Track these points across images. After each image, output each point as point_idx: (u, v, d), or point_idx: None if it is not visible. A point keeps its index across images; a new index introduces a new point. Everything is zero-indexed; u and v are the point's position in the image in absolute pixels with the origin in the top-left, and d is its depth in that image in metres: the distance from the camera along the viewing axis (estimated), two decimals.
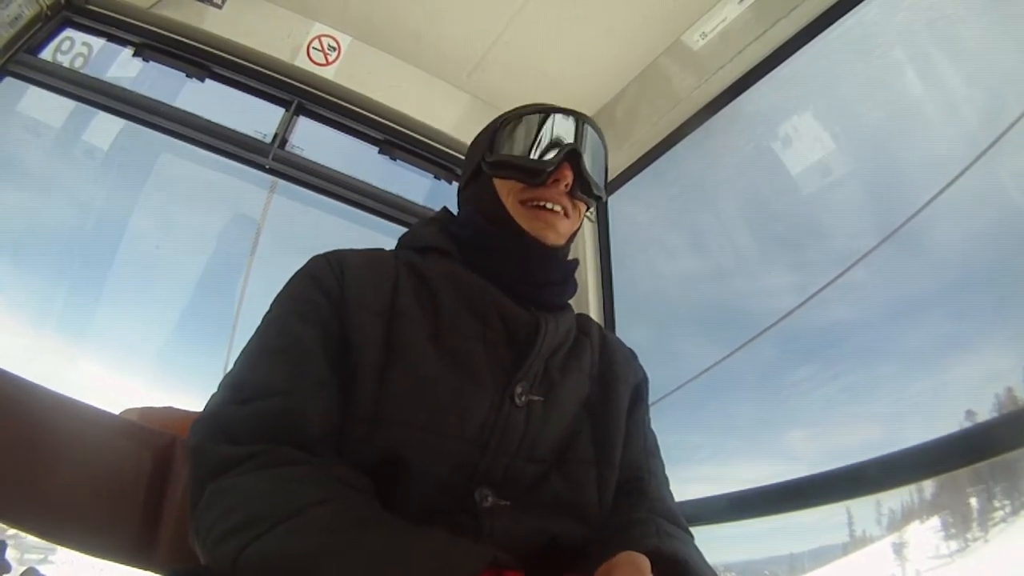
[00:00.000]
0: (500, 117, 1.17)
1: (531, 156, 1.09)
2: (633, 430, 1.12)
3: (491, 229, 1.09)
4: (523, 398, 0.97)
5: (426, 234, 1.15)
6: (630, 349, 1.25)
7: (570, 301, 1.18)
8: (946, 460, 1.45)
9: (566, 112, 1.12)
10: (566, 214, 1.10)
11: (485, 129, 1.19)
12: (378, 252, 1.11)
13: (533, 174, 1.07)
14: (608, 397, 1.09)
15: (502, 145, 1.12)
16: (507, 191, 1.09)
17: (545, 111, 1.12)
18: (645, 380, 1.21)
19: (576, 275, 1.18)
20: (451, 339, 0.98)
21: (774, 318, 2.50)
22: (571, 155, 1.08)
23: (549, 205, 1.07)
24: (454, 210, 1.24)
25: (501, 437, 0.93)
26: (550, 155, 1.08)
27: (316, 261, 1.04)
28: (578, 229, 1.16)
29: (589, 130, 1.12)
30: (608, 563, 0.75)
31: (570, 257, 1.19)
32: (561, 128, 1.10)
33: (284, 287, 1.02)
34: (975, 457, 1.40)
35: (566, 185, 1.07)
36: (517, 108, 1.17)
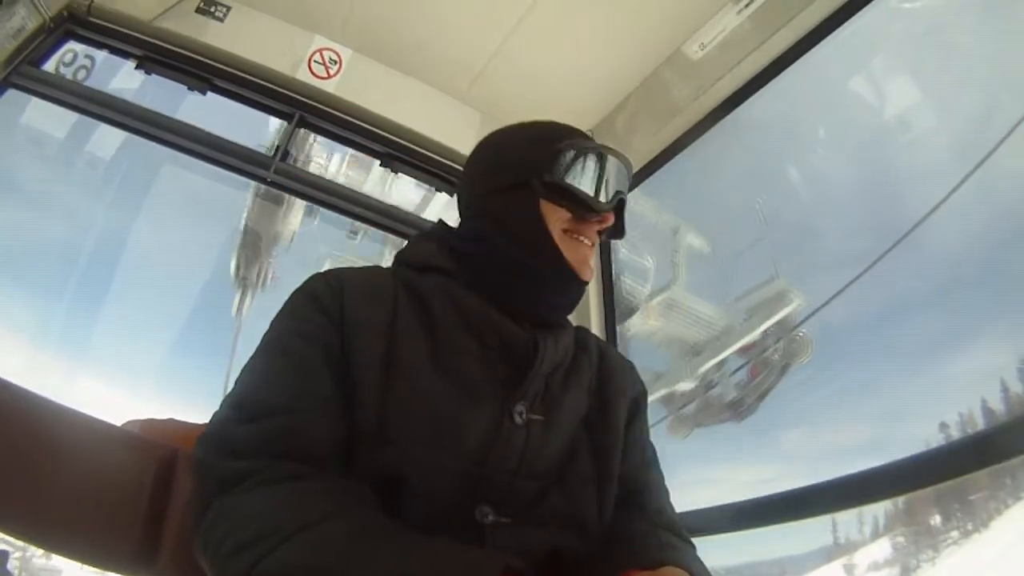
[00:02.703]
0: (548, 138, 1.11)
1: (594, 193, 1.07)
2: (631, 443, 1.11)
3: (520, 249, 1.07)
4: (523, 417, 0.96)
5: (425, 251, 1.13)
6: (629, 361, 1.25)
7: (571, 316, 1.18)
8: (946, 469, 1.44)
9: (620, 159, 1.12)
10: (592, 247, 1.11)
11: (529, 146, 1.12)
12: (377, 270, 1.10)
13: (588, 209, 1.07)
14: (606, 412, 1.09)
15: (566, 171, 1.07)
16: (554, 216, 1.07)
17: (604, 151, 1.10)
18: (644, 393, 1.21)
19: None
20: (449, 358, 0.98)
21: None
22: (620, 204, 1.11)
23: (588, 241, 1.09)
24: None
25: (501, 455, 0.93)
26: (609, 196, 1.08)
27: (315, 280, 1.03)
28: None
29: (627, 183, 1.14)
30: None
31: None
32: (617, 173, 1.11)
33: (284, 306, 1.02)
34: (974, 465, 1.40)
35: (606, 226, 1.10)
36: (571, 135, 1.13)
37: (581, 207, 1.06)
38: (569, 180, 1.06)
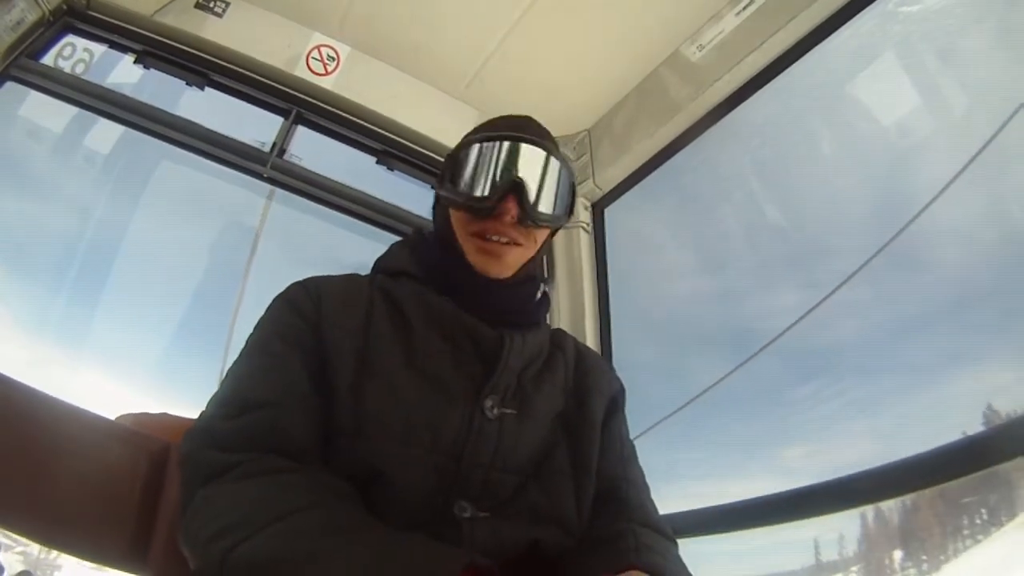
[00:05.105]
0: (461, 143, 1.15)
1: (475, 190, 1.07)
2: (609, 440, 1.14)
3: (446, 258, 1.12)
4: (495, 411, 0.99)
5: (398, 258, 1.19)
6: (607, 362, 1.27)
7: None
8: (938, 471, 1.45)
9: (514, 138, 1.09)
10: (516, 243, 1.08)
11: (449, 153, 1.16)
12: (354, 278, 1.15)
13: (476, 209, 1.06)
14: (582, 410, 1.12)
15: (453, 175, 1.10)
16: (458, 222, 1.10)
17: (492, 138, 1.09)
18: (622, 391, 1.24)
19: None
20: (423, 359, 1.01)
21: (775, 334, 2.49)
22: (514, 188, 1.05)
23: (495, 237, 1.06)
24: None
25: (475, 449, 0.96)
26: (493, 187, 1.06)
27: (294, 288, 1.08)
28: (540, 253, 1.16)
29: (539, 155, 1.09)
30: None
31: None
32: (508, 157, 1.07)
33: (265, 312, 1.06)
34: (968, 468, 1.41)
35: (511, 217, 1.05)
36: (476, 129, 1.18)
37: (469, 207, 1.07)
38: (452, 184, 1.10)
